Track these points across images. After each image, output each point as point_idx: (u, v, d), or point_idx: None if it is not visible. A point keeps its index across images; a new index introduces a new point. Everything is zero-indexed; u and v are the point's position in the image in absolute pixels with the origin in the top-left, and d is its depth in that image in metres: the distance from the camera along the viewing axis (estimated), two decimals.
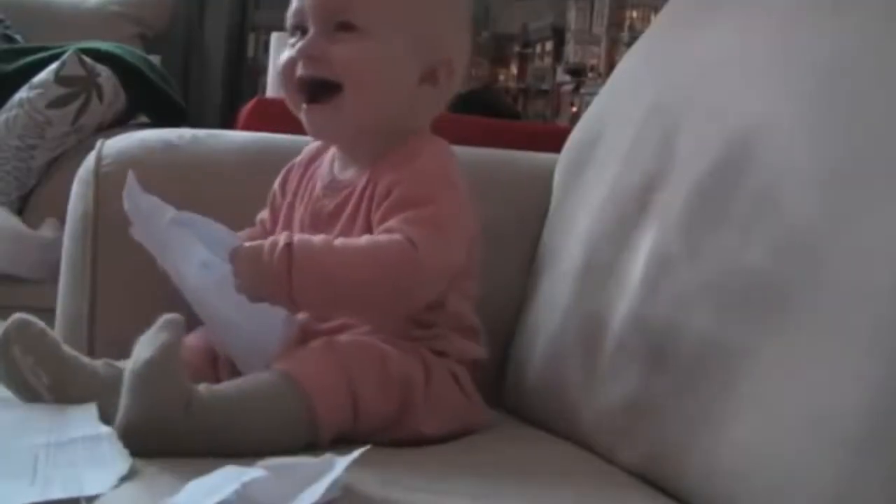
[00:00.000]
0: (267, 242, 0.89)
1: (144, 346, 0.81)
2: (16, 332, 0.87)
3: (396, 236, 0.89)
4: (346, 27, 0.96)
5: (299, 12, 0.98)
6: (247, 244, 0.90)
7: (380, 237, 0.91)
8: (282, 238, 0.88)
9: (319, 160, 1.06)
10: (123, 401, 0.81)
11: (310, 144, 1.08)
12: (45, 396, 0.87)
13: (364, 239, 0.91)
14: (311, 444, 0.84)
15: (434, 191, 0.94)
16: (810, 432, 0.70)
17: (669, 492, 0.84)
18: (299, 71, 0.97)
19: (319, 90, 0.97)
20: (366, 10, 0.96)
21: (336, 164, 1.03)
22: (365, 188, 0.97)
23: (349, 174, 1.01)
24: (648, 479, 0.87)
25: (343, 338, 0.92)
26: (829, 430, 0.68)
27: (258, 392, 0.85)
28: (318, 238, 0.91)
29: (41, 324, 0.88)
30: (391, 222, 0.91)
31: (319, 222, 0.99)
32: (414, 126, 1.01)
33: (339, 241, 0.91)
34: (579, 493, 0.83)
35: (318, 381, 0.86)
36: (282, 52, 1.01)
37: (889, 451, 0.63)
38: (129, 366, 0.81)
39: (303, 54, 0.96)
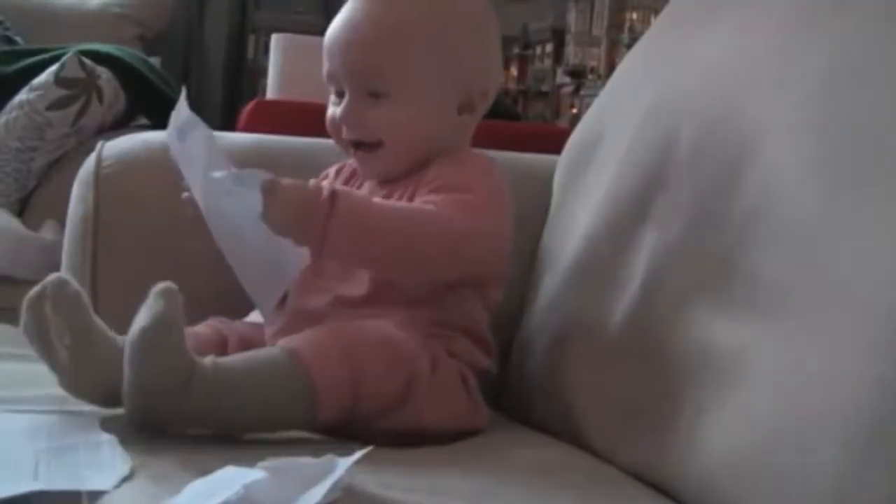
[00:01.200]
0: (311, 184, 0.91)
1: (141, 316, 0.82)
2: (52, 289, 0.87)
3: (433, 207, 0.94)
4: (378, 94, 0.99)
5: (333, 76, 1.02)
6: (287, 180, 0.91)
7: (417, 204, 0.95)
8: (326, 184, 0.91)
9: None
10: (125, 372, 0.82)
11: None
12: (63, 356, 0.87)
13: (402, 203, 0.96)
14: (310, 420, 0.86)
15: (476, 183, 0.98)
16: (810, 433, 0.70)
17: (669, 493, 0.84)
18: (344, 134, 1.02)
19: (364, 144, 1.02)
20: (393, 76, 0.99)
21: None
22: (410, 185, 1.00)
23: (398, 179, 1.04)
24: (648, 481, 0.87)
25: (350, 322, 0.92)
26: (828, 430, 0.68)
27: (260, 365, 0.86)
28: (359, 193, 0.95)
29: (77, 287, 0.89)
30: (430, 197, 0.96)
31: None
32: (456, 147, 1.04)
33: (378, 200, 0.95)
34: (579, 495, 0.82)
35: (319, 356, 0.87)
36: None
37: (889, 451, 0.63)
38: (128, 337, 0.82)
39: (342, 121, 1.01)
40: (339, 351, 0.88)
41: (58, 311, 0.87)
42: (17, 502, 0.69)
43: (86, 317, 0.88)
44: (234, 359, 0.87)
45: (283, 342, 0.89)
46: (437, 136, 1.02)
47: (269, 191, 0.88)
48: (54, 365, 0.88)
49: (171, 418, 0.83)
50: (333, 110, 1.02)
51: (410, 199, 0.99)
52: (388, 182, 1.03)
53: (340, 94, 1.02)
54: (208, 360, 0.84)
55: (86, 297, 0.89)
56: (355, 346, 0.88)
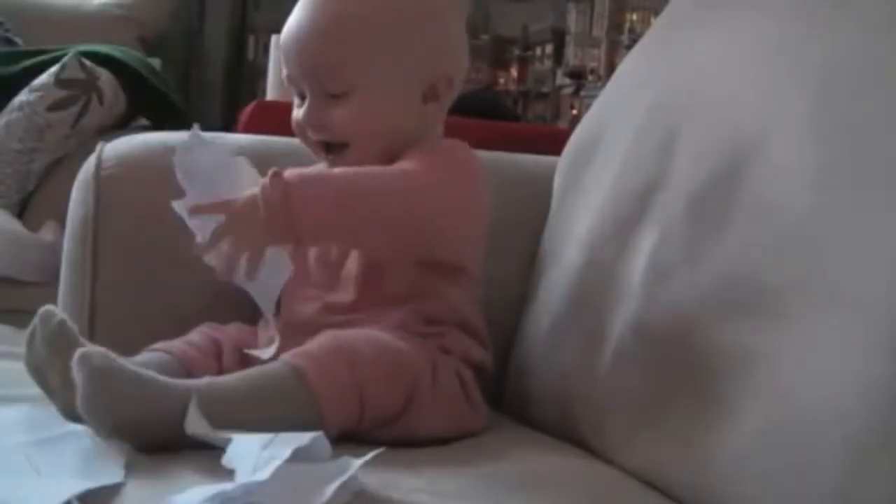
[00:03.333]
0: (258, 186, 0.89)
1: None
2: (38, 322, 0.90)
3: (395, 166, 0.94)
4: (337, 94, 0.99)
5: (292, 79, 1.01)
6: (239, 200, 0.90)
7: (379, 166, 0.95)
8: (268, 175, 0.89)
9: None
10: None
11: None
12: (55, 383, 0.89)
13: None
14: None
15: (445, 154, 0.98)
16: (812, 434, 0.70)
17: (670, 494, 0.84)
18: (310, 135, 1.01)
19: (333, 146, 1.01)
20: (350, 74, 0.98)
21: None
22: None
23: None
24: (649, 482, 0.87)
25: (354, 332, 0.92)
26: (831, 431, 0.68)
27: (264, 387, 0.85)
28: (311, 168, 0.95)
29: (62, 315, 0.90)
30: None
31: None
32: (428, 136, 1.03)
33: (337, 169, 0.96)
34: (580, 495, 0.82)
35: (327, 379, 0.86)
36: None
37: (891, 452, 0.63)
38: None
39: (306, 124, 1.01)
40: (348, 374, 0.87)
41: (45, 341, 0.89)
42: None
43: (71, 341, 0.89)
44: (235, 380, 0.86)
45: (287, 356, 0.88)
46: (404, 127, 1.01)
47: (226, 213, 0.88)
48: (49, 393, 0.90)
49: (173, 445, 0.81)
50: (297, 112, 1.02)
51: None
52: None
53: (302, 96, 1.01)
54: (205, 382, 0.83)
55: (71, 323, 0.90)
56: (363, 367, 0.88)
